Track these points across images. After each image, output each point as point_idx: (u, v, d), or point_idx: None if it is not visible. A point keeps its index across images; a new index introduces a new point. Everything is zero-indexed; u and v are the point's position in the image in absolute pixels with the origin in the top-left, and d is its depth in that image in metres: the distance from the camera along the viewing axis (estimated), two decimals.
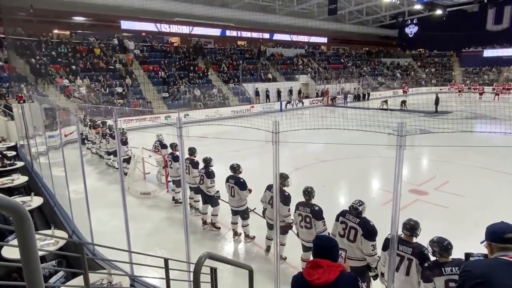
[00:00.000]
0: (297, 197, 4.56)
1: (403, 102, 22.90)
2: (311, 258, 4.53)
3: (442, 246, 2.98)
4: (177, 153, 7.13)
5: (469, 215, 6.38)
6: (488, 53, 38.41)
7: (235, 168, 5.56)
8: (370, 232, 3.65)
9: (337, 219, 3.98)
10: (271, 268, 4.77)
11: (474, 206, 6.75)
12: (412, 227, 3.25)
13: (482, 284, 1.65)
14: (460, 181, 8.47)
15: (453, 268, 2.80)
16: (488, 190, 7.73)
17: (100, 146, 11.05)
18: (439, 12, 31.34)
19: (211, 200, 6.12)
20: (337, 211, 4.05)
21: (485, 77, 36.82)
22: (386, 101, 23.44)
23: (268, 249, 5.28)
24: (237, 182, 5.42)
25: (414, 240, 3.26)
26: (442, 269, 2.86)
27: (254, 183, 5.70)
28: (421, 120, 11.92)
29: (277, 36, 34.44)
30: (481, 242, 1.99)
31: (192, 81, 23.58)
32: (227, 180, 5.58)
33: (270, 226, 5.16)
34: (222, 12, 26.76)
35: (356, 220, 3.76)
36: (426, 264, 3.05)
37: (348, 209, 3.92)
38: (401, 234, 3.26)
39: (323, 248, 2.07)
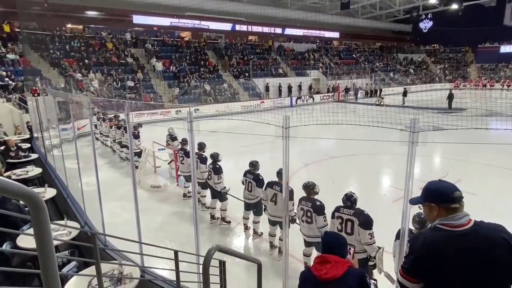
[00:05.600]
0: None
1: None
2: (313, 252, 4.55)
3: None
4: (188, 147, 7.18)
5: (482, 214, 6.19)
6: (505, 49, 37.37)
7: (254, 165, 5.59)
8: (366, 221, 3.69)
9: (332, 216, 4.01)
10: (279, 262, 4.79)
11: (487, 205, 6.61)
12: (421, 221, 3.28)
13: (438, 264, 1.59)
14: (473, 179, 8.31)
15: None
16: (502, 189, 7.57)
17: (114, 139, 11.20)
18: (454, 6, 30.60)
19: (219, 195, 6.15)
20: None
21: (502, 73, 35.88)
22: (383, 98, 25.09)
23: (271, 245, 5.32)
24: (255, 179, 5.44)
25: None
26: None
27: (264, 178, 5.70)
28: (434, 117, 11.72)
29: (289, 31, 34.14)
30: (413, 203, 1.90)
31: (203, 76, 23.64)
32: (245, 175, 5.61)
33: (272, 223, 5.18)
34: (233, 7, 26.68)
35: (350, 212, 3.81)
36: None
37: (342, 203, 3.95)
38: (412, 228, 3.26)
39: (331, 244, 2.09)
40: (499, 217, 1.86)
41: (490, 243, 1.57)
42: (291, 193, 4.64)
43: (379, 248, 3.63)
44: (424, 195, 1.81)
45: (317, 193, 4.36)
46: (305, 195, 4.42)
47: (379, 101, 24.15)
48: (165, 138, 9.19)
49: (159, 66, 22.34)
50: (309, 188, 4.34)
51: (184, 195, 7.50)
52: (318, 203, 4.24)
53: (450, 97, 20.06)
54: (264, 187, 5.24)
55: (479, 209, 6.65)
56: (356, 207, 3.87)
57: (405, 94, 24.69)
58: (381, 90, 30.90)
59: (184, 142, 7.39)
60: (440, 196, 1.73)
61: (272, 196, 5.01)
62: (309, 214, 4.26)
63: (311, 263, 4.42)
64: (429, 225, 2.95)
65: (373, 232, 3.67)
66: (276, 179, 5.04)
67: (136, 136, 9.28)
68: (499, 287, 1.57)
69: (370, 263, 3.76)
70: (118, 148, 10.92)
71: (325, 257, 1.99)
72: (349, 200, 3.87)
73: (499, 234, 1.60)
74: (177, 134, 8.79)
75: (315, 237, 4.31)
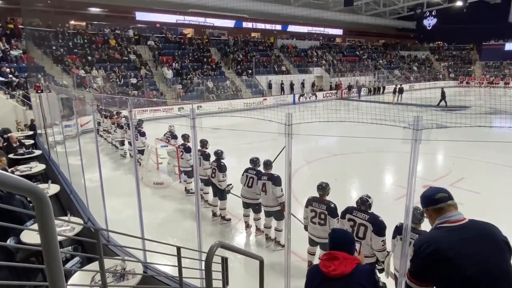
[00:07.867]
0: (308, 190, 4.54)
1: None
2: (317, 250, 4.54)
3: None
4: (189, 144, 7.19)
5: (485, 212, 6.17)
6: (510, 46, 37.00)
7: (255, 162, 5.58)
8: (380, 228, 3.62)
9: (342, 217, 3.93)
10: (281, 259, 4.80)
11: (490, 203, 6.59)
12: (422, 215, 3.26)
13: (444, 261, 1.66)
14: (476, 177, 8.28)
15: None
16: (505, 187, 7.54)
17: (115, 137, 11.22)
18: (459, 3, 30.38)
19: (221, 193, 6.15)
20: (349, 205, 4.02)
21: (506, 71, 35.58)
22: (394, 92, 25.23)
23: (267, 237, 5.44)
24: (258, 174, 5.45)
25: (422, 227, 3.29)
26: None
27: None
28: (437, 115, 11.65)
29: (292, 28, 34.03)
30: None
31: (206, 73, 23.62)
32: (246, 171, 5.60)
33: (267, 214, 5.35)
34: (236, 3, 26.60)
35: (365, 216, 3.71)
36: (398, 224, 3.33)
37: (355, 205, 3.86)
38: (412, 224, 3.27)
39: (338, 241, 2.08)
40: (501, 215, 1.85)
41: (487, 229, 1.76)
42: (278, 179, 4.87)
43: (388, 253, 3.60)
44: (420, 203, 2.01)
45: (328, 194, 4.34)
46: (311, 194, 4.37)
47: (394, 98, 24.51)
48: (164, 134, 9.21)
49: (169, 74, 22.21)
50: (325, 189, 4.30)
51: (185, 190, 7.54)
52: (332, 205, 4.20)
53: (443, 94, 20.15)
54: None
55: (481, 207, 6.65)
56: (370, 211, 3.76)
57: (401, 91, 24.50)
58: (384, 88, 30.69)
59: (184, 137, 7.40)
60: (425, 200, 1.95)
61: (262, 186, 5.11)
62: (322, 216, 4.22)
63: (315, 261, 4.44)
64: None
65: (385, 239, 3.60)
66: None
67: (143, 134, 9.27)
68: (506, 266, 1.66)
69: (378, 267, 3.72)
70: (120, 146, 10.94)
71: (334, 254, 1.98)
72: (364, 204, 3.76)
73: (491, 226, 1.79)
74: (178, 133, 8.81)
75: (325, 239, 4.25)
